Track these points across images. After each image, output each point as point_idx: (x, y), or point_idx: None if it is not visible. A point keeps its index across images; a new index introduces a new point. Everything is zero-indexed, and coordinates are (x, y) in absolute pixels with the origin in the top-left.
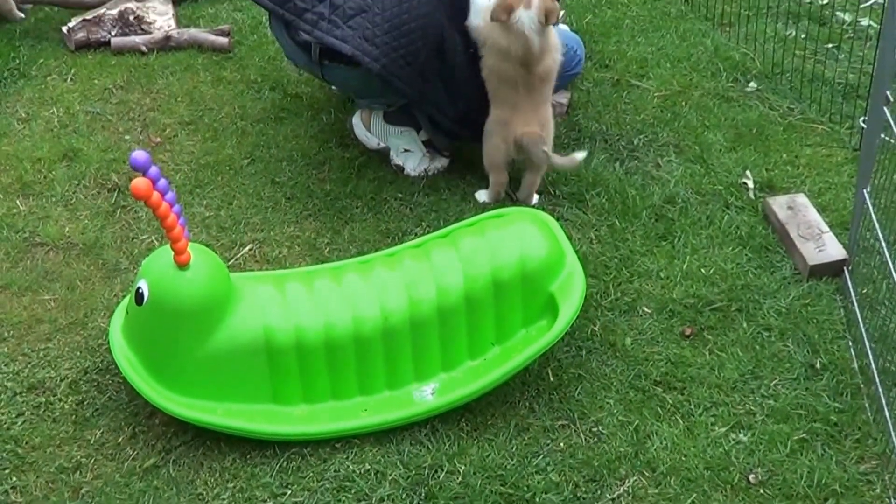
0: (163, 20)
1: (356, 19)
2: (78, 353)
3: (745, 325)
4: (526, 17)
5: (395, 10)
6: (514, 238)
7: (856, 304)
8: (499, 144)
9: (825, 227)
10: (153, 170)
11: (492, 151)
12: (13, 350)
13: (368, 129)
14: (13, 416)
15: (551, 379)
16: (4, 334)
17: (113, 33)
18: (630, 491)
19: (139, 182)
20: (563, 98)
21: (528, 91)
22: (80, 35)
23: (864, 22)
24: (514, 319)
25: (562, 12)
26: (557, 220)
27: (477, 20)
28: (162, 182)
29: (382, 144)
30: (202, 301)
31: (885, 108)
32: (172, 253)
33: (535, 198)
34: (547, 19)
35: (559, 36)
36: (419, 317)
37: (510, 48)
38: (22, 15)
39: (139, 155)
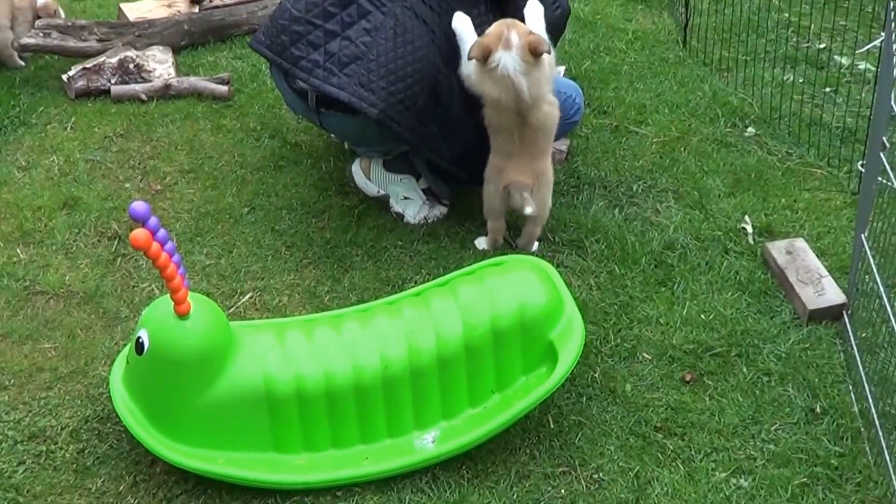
0: (162, 68)
1: (352, 66)
2: (79, 402)
3: (744, 370)
4: (508, 59)
5: (391, 56)
6: (512, 286)
7: (855, 347)
8: (493, 192)
9: (824, 272)
10: (152, 220)
11: (487, 198)
12: (14, 398)
13: (368, 177)
14: (14, 464)
15: (552, 426)
16: (5, 383)
17: (113, 81)
18: None
19: (139, 233)
20: (563, 145)
21: (523, 141)
22: (81, 83)
23: (862, 66)
24: (514, 367)
25: (561, 69)
26: (557, 266)
27: (468, 69)
28: (161, 232)
29: (382, 192)
30: (202, 351)
31: (881, 154)
32: (173, 303)
33: (535, 245)
34: (533, 53)
35: (558, 84)
36: (419, 365)
37: (500, 97)
38: (22, 63)
39: (138, 206)
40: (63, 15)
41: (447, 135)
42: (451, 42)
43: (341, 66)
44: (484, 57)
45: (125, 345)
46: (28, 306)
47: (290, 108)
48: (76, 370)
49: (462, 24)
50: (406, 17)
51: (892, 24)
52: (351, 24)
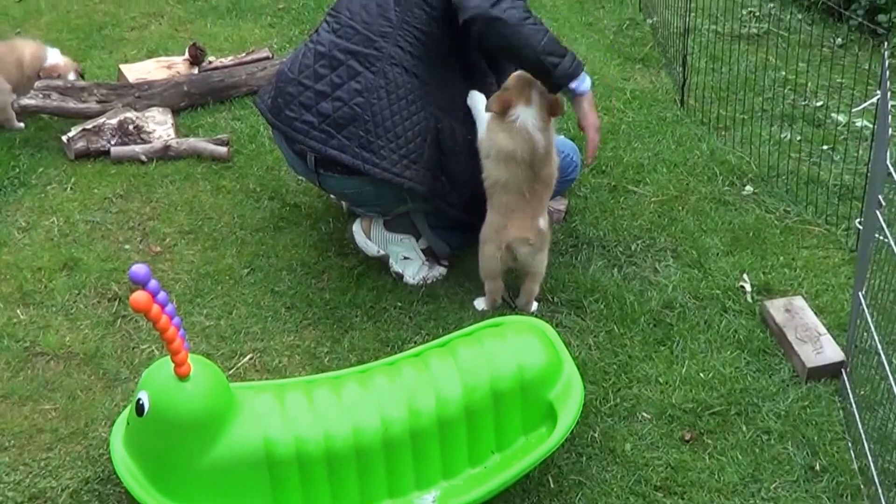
0: (162, 129)
1: (350, 128)
2: (79, 463)
3: (744, 428)
4: (528, 115)
5: (387, 114)
6: (512, 347)
7: (854, 405)
8: (493, 252)
9: (823, 330)
10: (153, 283)
11: (486, 259)
12: (14, 460)
13: (368, 237)
14: None
15: (552, 486)
16: (5, 444)
17: (112, 142)
18: None
19: (139, 295)
20: (561, 205)
21: (531, 196)
22: (80, 144)
23: (859, 123)
24: (514, 427)
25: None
26: (556, 326)
27: (483, 130)
28: (162, 295)
29: (382, 252)
30: (203, 413)
31: (877, 212)
32: (173, 364)
33: (535, 305)
34: (552, 112)
35: (555, 142)
36: (419, 427)
37: (516, 150)
38: (21, 125)
39: (139, 268)
40: (79, 73)
41: (455, 181)
42: (444, 90)
43: (338, 128)
44: (503, 110)
45: (125, 406)
46: (28, 367)
47: (290, 168)
48: (76, 431)
49: (477, 101)
50: (396, 73)
51: (888, 82)
52: (341, 85)
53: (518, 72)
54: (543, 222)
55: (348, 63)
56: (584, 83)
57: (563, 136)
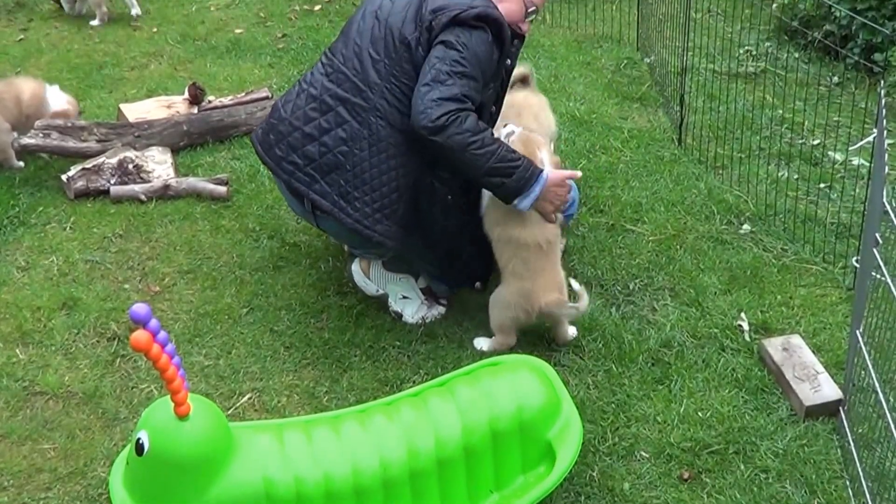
0: (161, 169)
1: (332, 175)
2: (78, 503)
3: (742, 467)
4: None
5: (366, 166)
6: (510, 387)
7: (852, 443)
8: (518, 316)
9: (820, 368)
10: (153, 322)
11: (507, 321)
12: (13, 499)
13: (368, 277)
14: None
15: None
16: (4, 483)
17: (112, 182)
18: None
19: (139, 335)
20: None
21: (549, 250)
22: (80, 183)
23: (856, 161)
24: (513, 467)
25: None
26: (554, 366)
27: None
28: (162, 334)
29: (381, 291)
30: (202, 452)
31: (874, 250)
32: (173, 404)
33: (572, 330)
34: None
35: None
36: (418, 467)
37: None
38: (20, 164)
39: (139, 308)
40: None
41: (428, 240)
42: (428, 148)
43: (322, 173)
44: None
45: (125, 446)
46: (27, 406)
47: (290, 208)
48: (75, 471)
49: None
50: (380, 126)
51: (885, 121)
52: (328, 131)
53: (523, 136)
54: (561, 271)
55: (337, 109)
56: (528, 198)
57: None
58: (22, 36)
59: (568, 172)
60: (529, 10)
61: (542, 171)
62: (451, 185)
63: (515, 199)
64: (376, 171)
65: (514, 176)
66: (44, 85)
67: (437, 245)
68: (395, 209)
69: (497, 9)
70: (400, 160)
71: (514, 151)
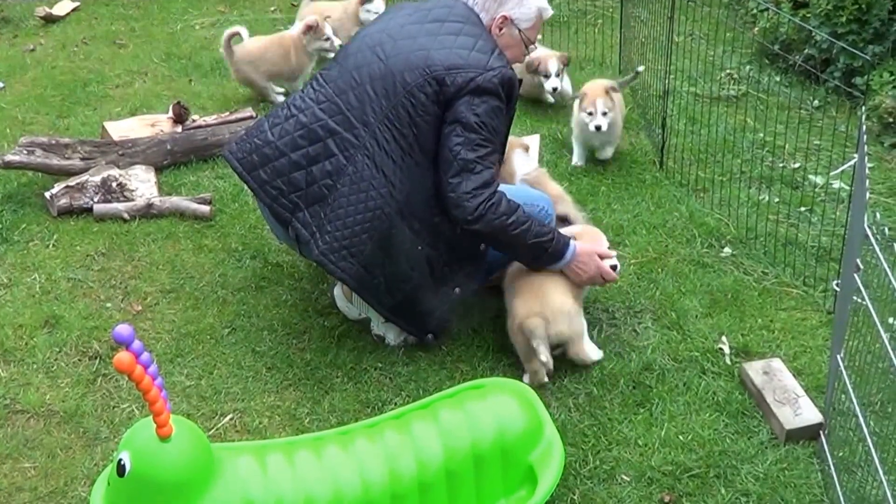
0: (145, 187)
1: (315, 207)
2: None
3: (723, 490)
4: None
5: (344, 202)
6: (492, 410)
7: (832, 467)
8: (516, 337)
9: (801, 392)
10: (136, 343)
11: (515, 345)
12: None
13: (350, 300)
14: None
15: None
16: None
17: (95, 200)
18: None
19: (122, 356)
20: None
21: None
22: (63, 201)
23: (836, 185)
24: (494, 490)
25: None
26: (536, 389)
27: None
28: (145, 355)
29: (363, 315)
30: (184, 474)
31: (855, 276)
32: (155, 425)
33: (595, 352)
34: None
35: (530, 196)
36: (400, 489)
37: None
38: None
39: (122, 329)
40: None
41: (391, 285)
42: (411, 196)
43: (308, 203)
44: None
45: (105, 465)
46: (8, 425)
47: (273, 233)
48: (56, 490)
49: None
50: (364, 165)
51: (865, 146)
52: (316, 161)
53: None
54: (567, 300)
55: (326, 141)
56: (559, 265)
57: (534, 189)
58: (6, 52)
59: (600, 250)
60: (529, 47)
61: (569, 240)
62: (424, 236)
63: (557, 263)
64: (352, 210)
65: (550, 250)
66: None
67: (398, 291)
68: (363, 249)
69: (510, 66)
70: (377, 202)
71: (543, 224)
